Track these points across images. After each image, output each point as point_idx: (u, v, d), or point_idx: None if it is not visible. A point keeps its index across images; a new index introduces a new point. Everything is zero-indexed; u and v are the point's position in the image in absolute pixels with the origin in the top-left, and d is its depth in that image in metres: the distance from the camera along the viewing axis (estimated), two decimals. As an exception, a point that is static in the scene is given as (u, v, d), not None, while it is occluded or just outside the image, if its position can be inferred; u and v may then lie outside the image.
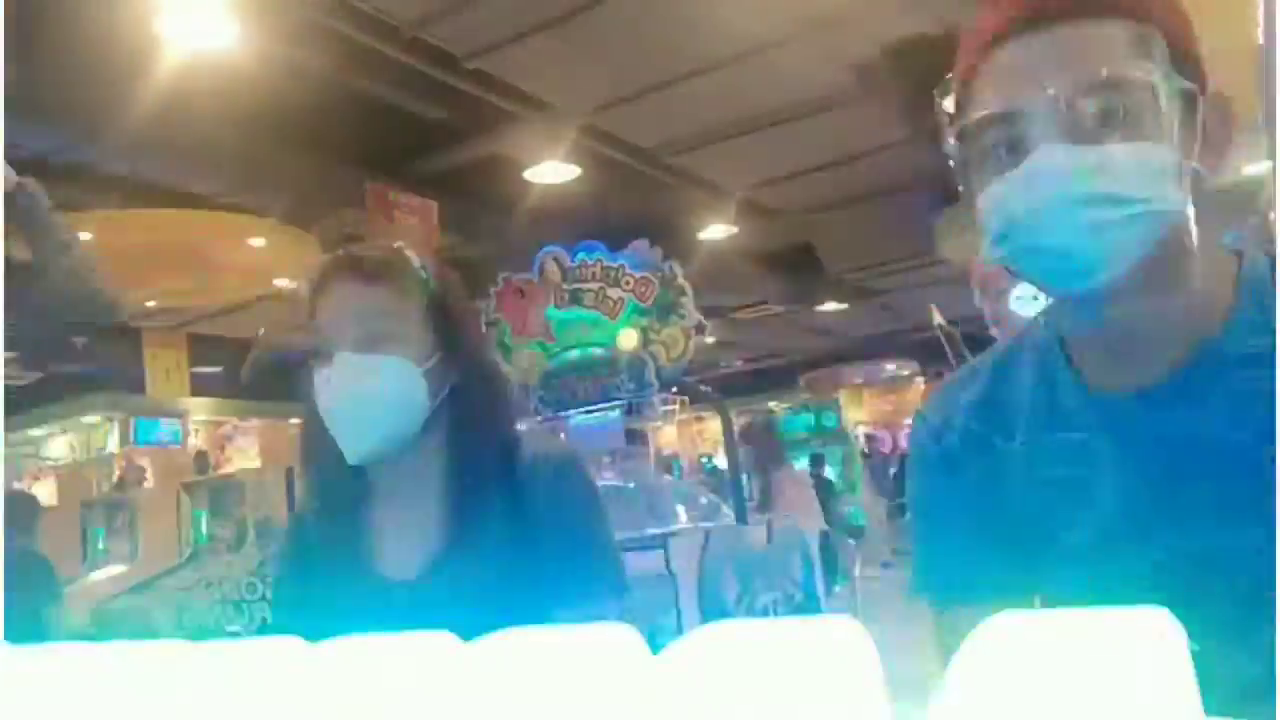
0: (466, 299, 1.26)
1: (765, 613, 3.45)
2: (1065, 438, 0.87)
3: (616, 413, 3.91)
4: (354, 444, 1.13)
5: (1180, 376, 0.82)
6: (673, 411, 5.46)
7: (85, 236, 6.22)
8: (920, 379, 12.95)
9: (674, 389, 4.06)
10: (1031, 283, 0.87)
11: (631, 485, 4.05)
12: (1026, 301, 2.21)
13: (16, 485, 8.41)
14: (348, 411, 1.13)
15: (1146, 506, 0.82)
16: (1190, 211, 0.77)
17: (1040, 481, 0.88)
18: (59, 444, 11.04)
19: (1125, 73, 0.74)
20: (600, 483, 2.17)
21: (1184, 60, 0.76)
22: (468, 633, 0.40)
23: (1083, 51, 0.76)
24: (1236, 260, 0.84)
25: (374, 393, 1.11)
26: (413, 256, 1.17)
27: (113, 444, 9.89)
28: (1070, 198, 0.75)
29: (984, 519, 0.91)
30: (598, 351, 3.83)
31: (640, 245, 3.85)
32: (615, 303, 3.81)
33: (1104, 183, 0.74)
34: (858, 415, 13.63)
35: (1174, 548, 0.80)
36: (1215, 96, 0.78)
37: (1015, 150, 0.77)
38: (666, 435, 13.12)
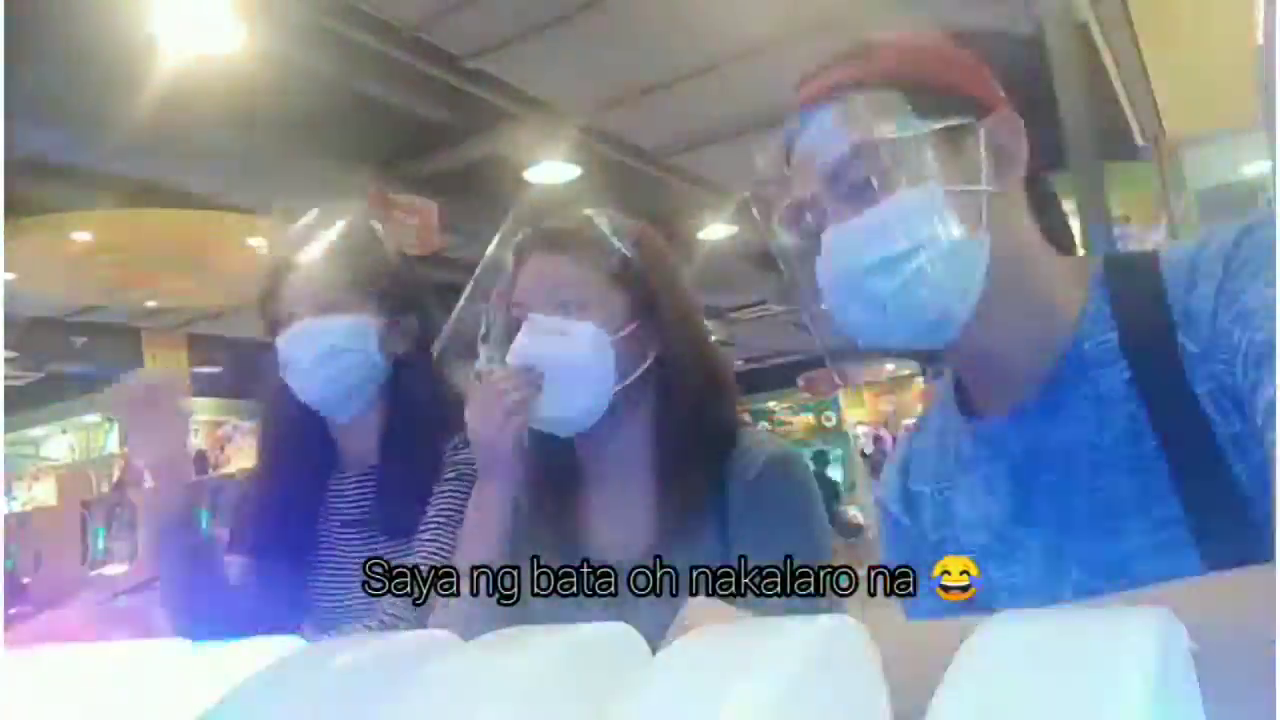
0: (671, 268, 1.22)
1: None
2: (965, 477, 0.90)
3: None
4: (536, 411, 1.12)
5: (1044, 388, 0.83)
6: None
7: (86, 236, 6.23)
8: (920, 379, 12.94)
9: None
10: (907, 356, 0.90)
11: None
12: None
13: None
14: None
15: (1046, 524, 0.82)
16: (1025, 232, 0.83)
17: (957, 523, 0.91)
18: (59, 444, 11.03)
19: (865, 139, 0.80)
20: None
21: (938, 103, 0.81)
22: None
23: (830, 134, 0.82)
24: (1085, 261, 0.87)
25: (556, 356, 1.11)
26: (604, 223, 1.17)
27: (113, 444, 9.88)
28: (861, 271, 0.79)
29: (922, 567, 0.93)
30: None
31: (640, 245, 3.84)
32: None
33: (878, 247, 0.78)
34: (858, 414, 13.63)
35: (1084, 561, 0.80)
36: (998, 118, 0.82)
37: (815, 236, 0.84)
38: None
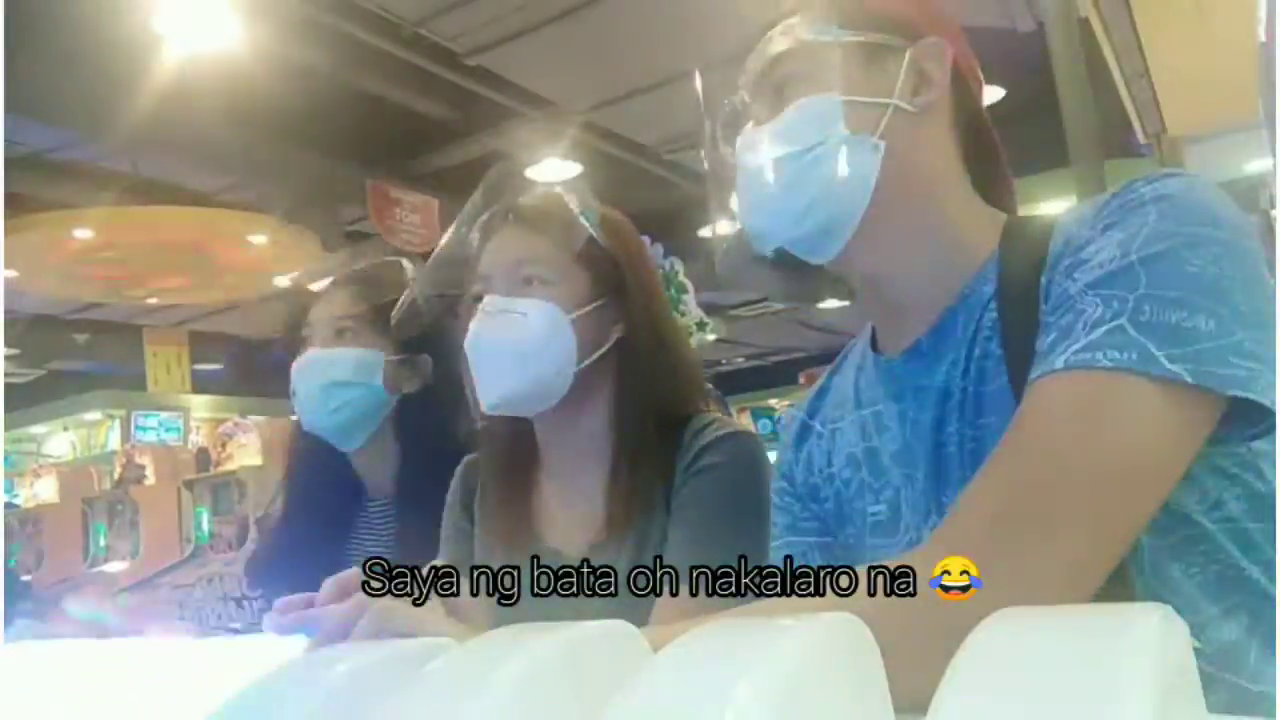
0: (640, 251, 1.21)
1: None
2: (857, 412, 0.91)
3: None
4: (488, 389, 1.10)
5: (935, 329, 0.84)
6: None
7: (87, 234, 6.24)
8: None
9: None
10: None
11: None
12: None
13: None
14: (482, 354, 1.11)
15: (920, 466, 0.83)
16: (940, 163, 0.84)
17: (836, 461, 0.92)
18: (60, 441, 11.03)
19: (781, 48, 0.85)
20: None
21: (868, 21, 0.84)
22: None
23: (765, 44, 0.87)
24: (999, 215, 0.87)
25: (509, 335, 1.09)
26: (571, 201, 1.15)
27: (114, 441, 9.89)
28: (755, 167, 0.84)
29: (806, 502, 0.95)
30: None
31: (641, 242, 3.84)
32: (616, 300, 3.80)
33: (777, 147, 0.83)
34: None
35: (946, 507, 0.79)
36: (926, 43, 0.84)
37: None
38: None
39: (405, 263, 1.50)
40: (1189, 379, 0.64)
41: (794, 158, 0.82)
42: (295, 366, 1.40)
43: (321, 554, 1.43)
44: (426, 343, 1.43)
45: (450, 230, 1.19)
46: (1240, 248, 0.70)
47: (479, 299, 1.12)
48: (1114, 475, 0.65)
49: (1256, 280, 0.69)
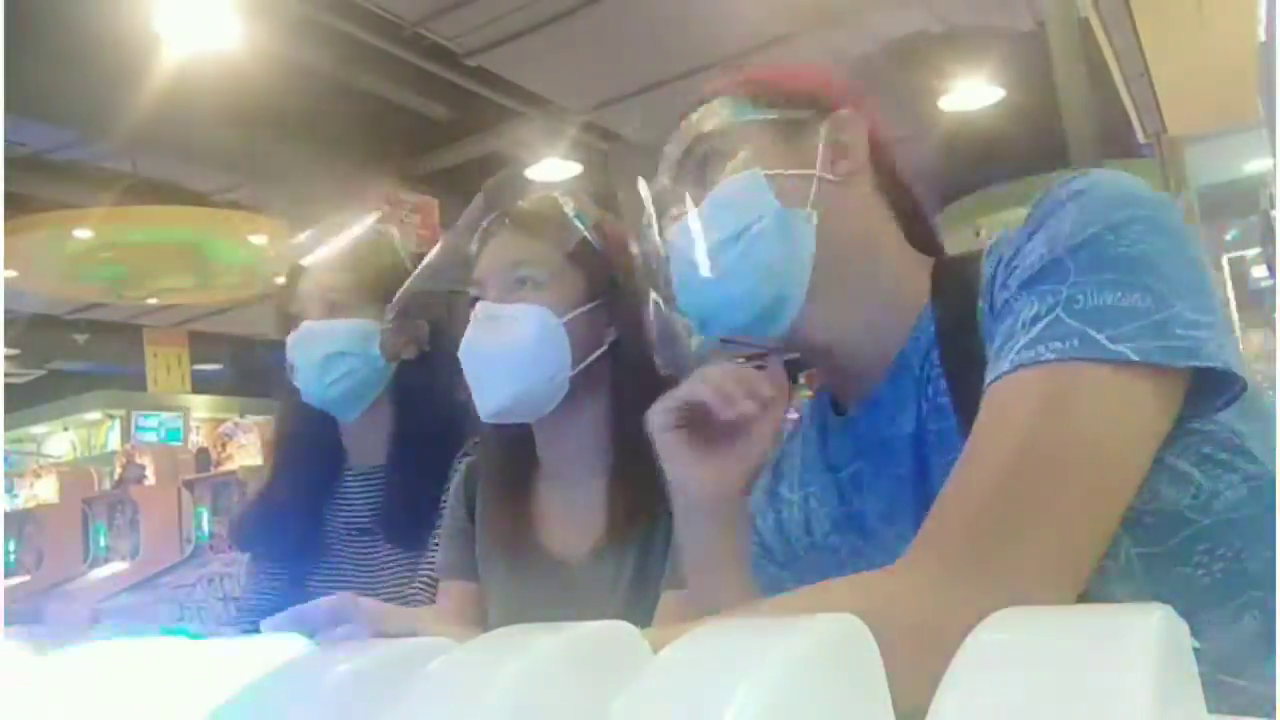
0: (632, 253, 1.18)
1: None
2: (833, 476, 0.89)
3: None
4: (484, 398, 1.09)
5: (888, 379, 0.84)
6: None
7: (87, 234, 6.23)
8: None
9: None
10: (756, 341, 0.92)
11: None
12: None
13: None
14: (475, 362, 1.10)
15: (909, 520, 0.79)
16: (872, 225, 0.85)
17: (831, 524, 0.89)
18: (60, 441, 11.03)
19: (701, 129, 0.86)
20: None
21: (780, 100, 0.86)
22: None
23: (684, 128, 0.88)
24: (930, 261, 0.88)
25: (500, 342, 1.08)
26: (566, 204, 1.14)
27: (114, 441, 9.89)
28: (691, 256, 0.82)
29: (790, 568, 0.93)
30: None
31: (641, 242, 3.84)
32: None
33: (710, 233, 0.81)
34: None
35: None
36: (839, 116, 0.86)
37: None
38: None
39: (394, 230, 1.51)
40: (1134, 356, 0.63)
41: (729, 242, 0.81)
42: (290, 340, 1.40)
43: (301, 519, 1.45)
44: (423, 309, 1.43)
45: (443, 238, 1.19)
46: (1163, 222, 0.69)
47: (474, 302, 1.12)
48: (1078, 465, 0.64)
49: (1186, 250, 0.69)
